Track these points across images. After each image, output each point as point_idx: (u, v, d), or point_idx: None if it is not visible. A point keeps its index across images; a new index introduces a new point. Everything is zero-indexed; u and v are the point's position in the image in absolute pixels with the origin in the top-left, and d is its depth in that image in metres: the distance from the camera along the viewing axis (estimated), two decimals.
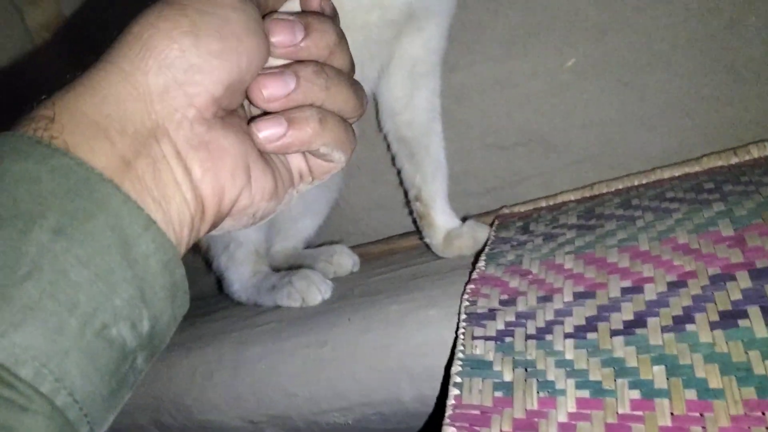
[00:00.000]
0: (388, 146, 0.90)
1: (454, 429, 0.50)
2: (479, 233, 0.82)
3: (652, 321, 0.51)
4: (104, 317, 0.26)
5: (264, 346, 0.72)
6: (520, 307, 0.60)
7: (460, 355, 0.57)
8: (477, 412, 0.51)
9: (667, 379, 0.46)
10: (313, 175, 0.38)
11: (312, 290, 0.81)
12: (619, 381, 0.48)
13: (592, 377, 0.49)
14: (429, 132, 0.85)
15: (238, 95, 0.33)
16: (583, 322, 0.54)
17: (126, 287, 0.27)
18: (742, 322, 0.47)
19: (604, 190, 0.87)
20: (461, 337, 0.59)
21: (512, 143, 0.97)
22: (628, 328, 0.52)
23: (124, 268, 0.27)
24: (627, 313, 0.53)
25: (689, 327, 0.49)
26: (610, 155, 0.92)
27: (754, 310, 0.48)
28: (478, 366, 0.55)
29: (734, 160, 0.80)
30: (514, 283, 0.64)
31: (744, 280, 0.51)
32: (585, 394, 0.49)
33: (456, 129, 0.95)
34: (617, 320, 0.53)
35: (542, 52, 0.90)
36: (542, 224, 0.79)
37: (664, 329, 0.50)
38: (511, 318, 0.59)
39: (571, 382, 0.50)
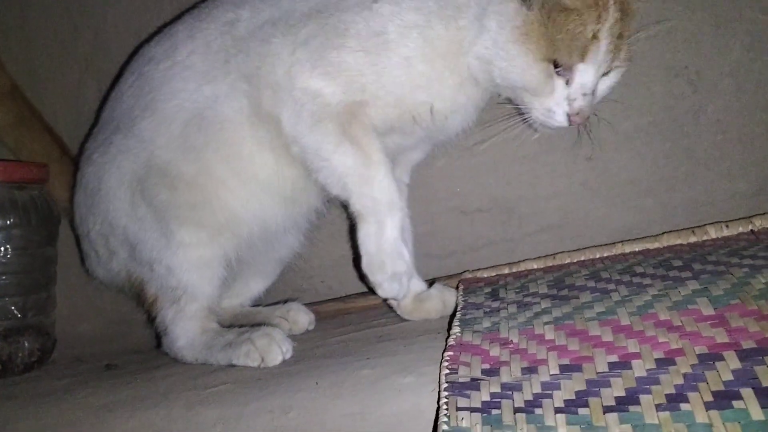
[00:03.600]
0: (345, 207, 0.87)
1: None
2: (448, 297, 0.81)
3: (645, 398, 0.50)
4: None
5: (220, 409, 0.66)
6: (505, 377, 0.58)
7: (445, 427, 0.53)
8: None
9: None
10: None
11: (273, 349, 0.76)
12: None
13: None
14: None
15: None
16: (573, 396, 0.53)
17: None
18: (736, 404, 0.47)
19: (567, 261, 0.88)
20: (444, 407, 0.56)
21: (476, 208, 0.98)
22: (621, 405, 0.50)
23: None
24: (618, 389, 0.52)
25: (684, 406, 0.48)
26: (572, 226, 0.94)
27: (747, 392, 0.48)
28: None
29: (692, 239, 0.83)
30: (494, 351, 0.62)
31: (733, 361, 0.51)
32: None
33: (421, 192, 0.95)
34: (608, 396, 0.52)
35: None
36: (512, 291, 0.79)
37: (659, 407, 0.49)
38: (497, 389, 0.56)
39: None
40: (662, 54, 0.87)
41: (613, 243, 0.87)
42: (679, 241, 0.83)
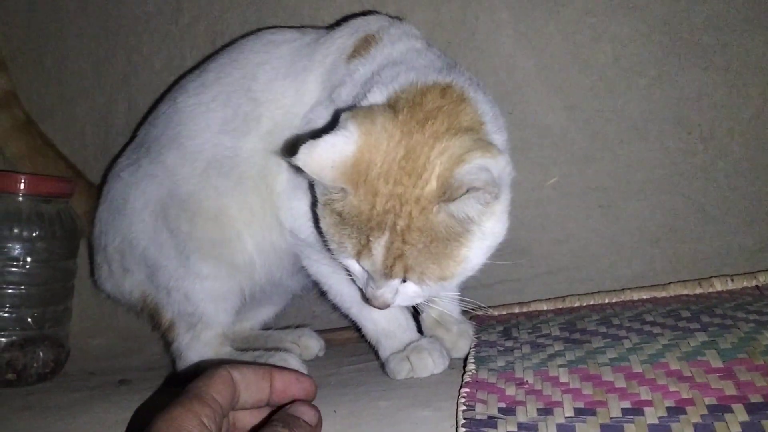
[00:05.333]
0: None
1: None
2: (467, 331, 0.83)
3: None
4: None
5: None
6: (521, 417, 0.60)
7: None
8: None
9: None
10: None
11: None
12: None
13: None
14: None
15: None
16: None
17: None
18: None
19: (576, 304, 0.91)
20: None
21: None
22: None
23: None
24: None
25: None
26: (582, 270, 0.97)
27: None
28: None
29: (698, 291, 0.86)
30: (510, 391, 0.65)
31: (741, 413, 0.54)
32: None
33: None
34: None
35: (528, 167, 0.96)
36: (524, 332, 0.81)
37: None
38: (513, 428, 0.58)
39: None
40: (677, 111, 0.91)
41: (622, 289, 0.90)
42: (685, 292, 0.87)
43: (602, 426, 0.57)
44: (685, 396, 0.58)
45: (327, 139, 0.61)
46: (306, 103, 0.79)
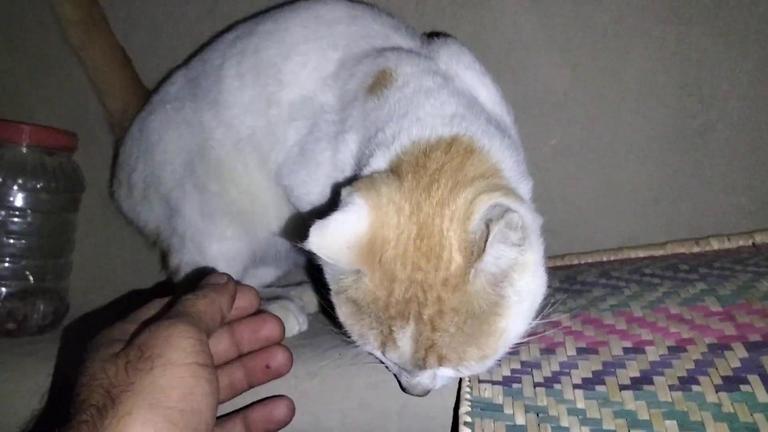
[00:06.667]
0: None
1: None
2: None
3: (658, 379, 0.54)
4: None
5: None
6: (524, 356, 0.61)
7: (468, 396, 0.57)
8: None
9: None
10: None
11: (290, 319, 0.79)
12: None
13: (605, 426, 0.51)
14: None
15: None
16: (590, 375, 0.57)
17: None
18: (744, 387, 0.51)
19: (575, 261, 0.92)
20: (467, 380, 0.59)
21: None
22: (636, 384, 0.54)
23: None
24: (632, 370, 0.56)
25: (695, 387, 0.52)
26: (580, 229, 0.98)
27: (754, 378, 0.52)
28: (488, 408, 0.55)
29: (696, 249, 0.88)
30: None
31: (740, 351, 0.55)
32: None
33: None
34: (624, 376, 0.55)
35: (531, 127, 0.95)
36: None
37: (672, 388, 0.53)
38: (516, 366, 0.60)
39: (585, 429, 0.51)
40: (678, 72, 0.92)
41: (620, 248, 0.91)
42: (682, 250, 0.88)
43: (604, 363, 0.58)
44: (685, 336, 0.59)
45: (337, 217, 0.53)
46: (314, 109, 0.74)
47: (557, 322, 0.65)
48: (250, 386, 0.59)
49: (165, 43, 1.05)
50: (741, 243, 0.86)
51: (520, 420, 0.54)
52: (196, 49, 0.94)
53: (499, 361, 0.58)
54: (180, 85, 0.89)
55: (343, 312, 0.58)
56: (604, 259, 0.90)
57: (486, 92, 0.71)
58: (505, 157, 0.60)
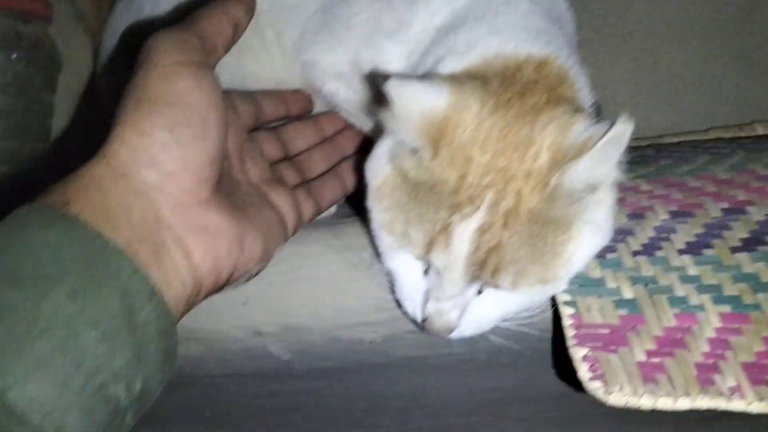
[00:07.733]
0: None
1: (586, 350, 0.45)
2: None
3: None
4: (105, 376, 0.30)
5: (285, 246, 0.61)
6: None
7: None
8: (606, 331, 0.46)
9: None
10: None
11: None
12: (761, 295, 0.45)
13: (727, 292, 0.46)
14: None
15: (223, 163, 0.39)
16: (694, 239, 0.51)
17: (126, 350, 0.32)
18: None
19: None
20: None
21: None
22: (749, 245, 0.49)
23: (127, 332, 0.32)
24: (740, 231, 0.51)
25: None
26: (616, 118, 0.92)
27: None
28: (587, 284, 0.49)
29: (741, 134, 0.82)
30: None
31: None
32: (726, 309, 0.45)
33: None
34: (733, 238, 0.50)
35: None
36: None
37: None
38: None
39: (705, 297, 0.46)
40: None
41: (661, 135, 0.85)
42: (726, 136, 0.82)
43: (705, 225, 0.53)
44: None
45: (417, 85, 0.46)
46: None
47: (635, 186, 0.59)
48: None
49: None
50: None
51: (627, 294, 0.48)
52: None
53: None
54: None
55: (384, 206, 0.50)
56: (646, 144, 0.84)
57: None
58: (586, 95, 0.53)
